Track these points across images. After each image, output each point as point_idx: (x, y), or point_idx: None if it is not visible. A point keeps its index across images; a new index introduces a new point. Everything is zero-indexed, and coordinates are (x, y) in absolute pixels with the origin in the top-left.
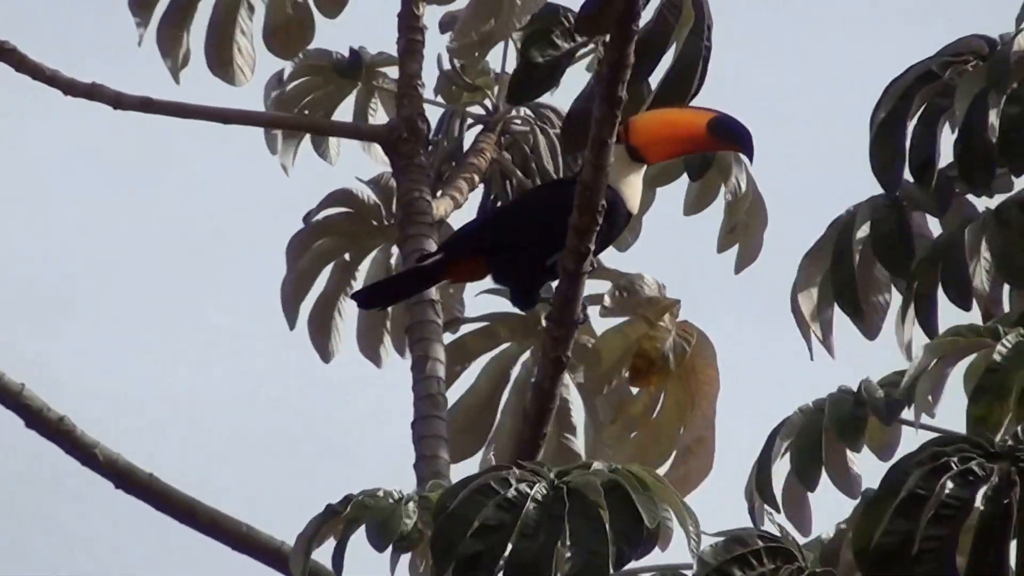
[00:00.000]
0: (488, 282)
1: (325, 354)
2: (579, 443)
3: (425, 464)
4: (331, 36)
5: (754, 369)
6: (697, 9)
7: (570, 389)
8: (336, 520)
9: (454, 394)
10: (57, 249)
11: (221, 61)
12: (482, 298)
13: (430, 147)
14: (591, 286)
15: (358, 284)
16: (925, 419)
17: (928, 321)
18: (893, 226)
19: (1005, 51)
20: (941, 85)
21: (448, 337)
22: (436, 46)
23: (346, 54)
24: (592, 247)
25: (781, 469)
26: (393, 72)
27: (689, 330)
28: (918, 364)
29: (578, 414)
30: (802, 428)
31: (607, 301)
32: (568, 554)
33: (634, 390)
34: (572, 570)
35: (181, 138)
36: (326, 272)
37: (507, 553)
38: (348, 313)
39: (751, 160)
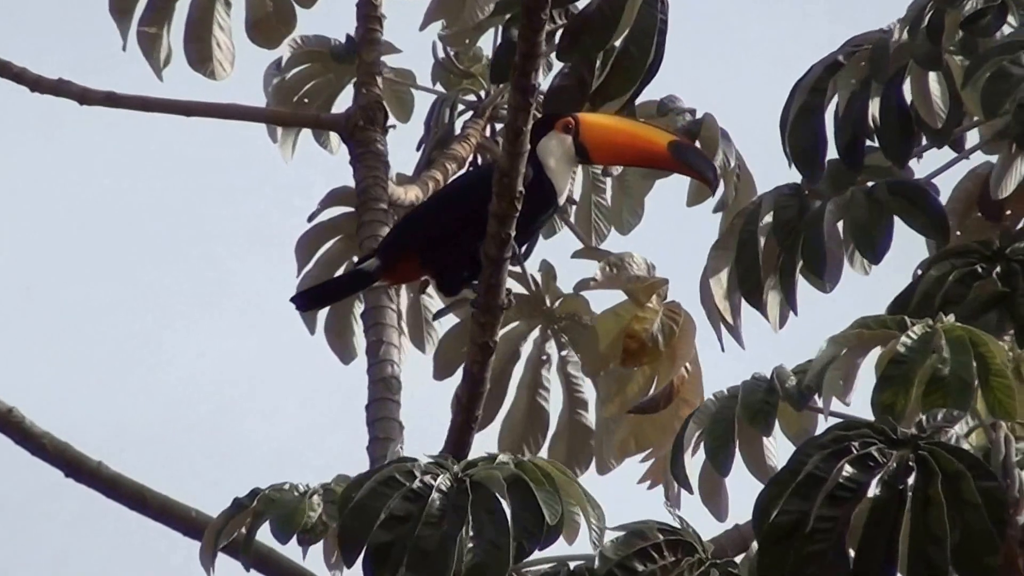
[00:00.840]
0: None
1: (345, 357)
2: (591, 418)
3: (378, 446)
4: (329, 23)
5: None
6: None
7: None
8: (244, 513)
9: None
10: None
11: (200, 57)
12: None
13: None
14: (582, 269)
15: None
16: (840, 407)
17: (789, 293)
18: (794, 212)
19: (884, 40)
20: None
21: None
22: (430, 34)
23: (342, 40)
24: (512, 233)
25: (700, 456)
26: (389, 60)
27: (676, 311)
28: (822, 355)
29: (590, 391)
30: (715, 414)
31: (597, 275)
32: (470, 545)
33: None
34: (473, 560)
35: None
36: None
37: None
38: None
39: (712, 191)
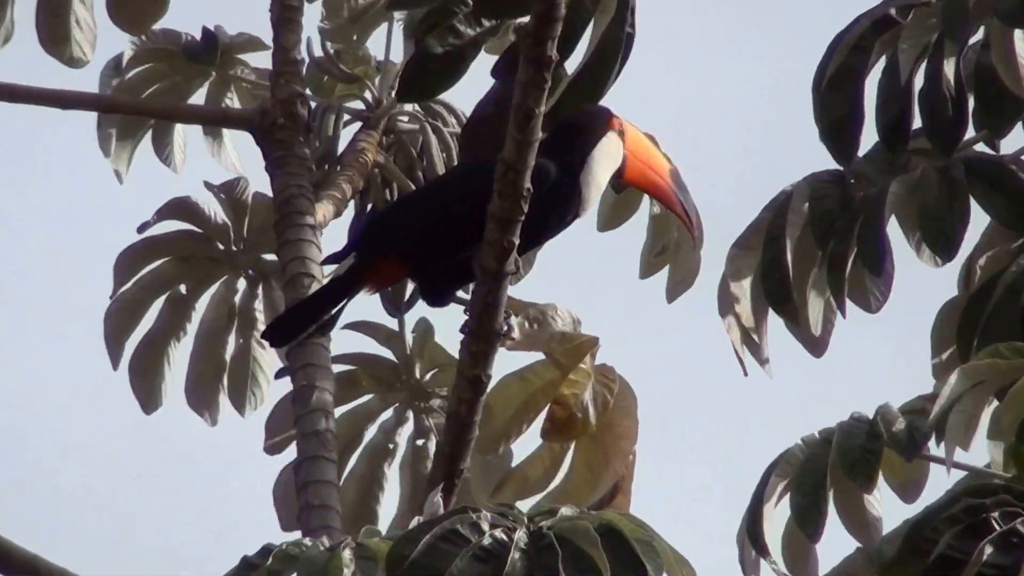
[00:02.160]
0: (351, 316)
1: (147, 405)
2: None
3: (312, 515)
4: (188, 14)
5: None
6: None
7: None
8: (257, 574)
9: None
10: None
11: (55, 37)
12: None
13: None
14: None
15: (193, 326)
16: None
17: (837, 294)
18: (835, 203)
19: None
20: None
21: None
22: (306, 28)
23: (198, 35)
24: (516, 241)
25: (783, 511)
26: (255, 59)
27: (610, 376)
28: (951, 391)
29: None
30: (804, 464)
31: (515, 333)
32: None
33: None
34: None
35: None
36: (157, 304)
37: None
38: (178, 358)
39: (693, 242)
